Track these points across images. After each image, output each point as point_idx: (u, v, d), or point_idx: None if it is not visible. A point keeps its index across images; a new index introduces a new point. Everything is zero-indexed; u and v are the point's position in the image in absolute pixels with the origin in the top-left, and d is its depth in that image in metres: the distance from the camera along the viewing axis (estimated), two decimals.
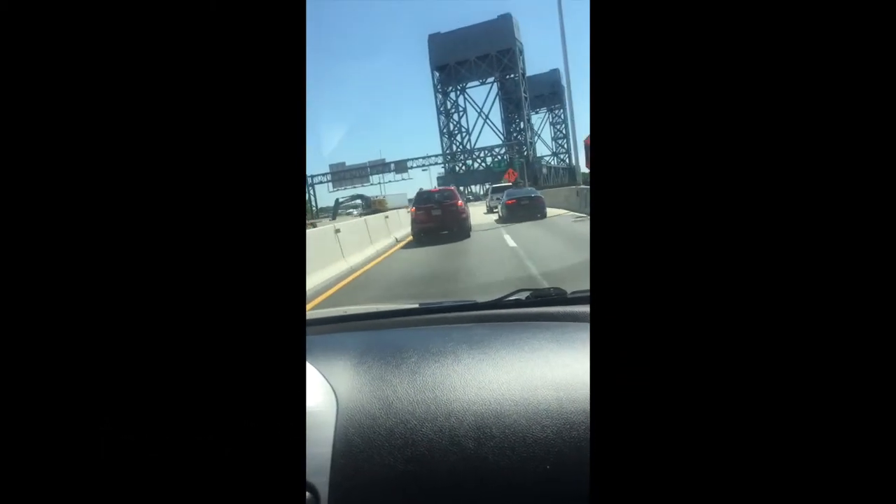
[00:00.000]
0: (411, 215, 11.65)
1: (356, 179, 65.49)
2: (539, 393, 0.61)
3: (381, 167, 65.01)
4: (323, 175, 64.56)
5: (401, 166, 64.50)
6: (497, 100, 75.19)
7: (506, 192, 17.20)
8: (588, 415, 0.55)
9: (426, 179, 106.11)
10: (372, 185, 66.11)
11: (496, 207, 17.77)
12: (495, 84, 71.99)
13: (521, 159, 64.26)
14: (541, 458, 0.55)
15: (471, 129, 75.00)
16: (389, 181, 65.25)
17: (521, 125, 71.90)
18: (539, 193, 15.79)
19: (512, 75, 70.53)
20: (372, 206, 45.71)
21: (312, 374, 0.69)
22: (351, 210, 48.03)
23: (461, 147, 72.70)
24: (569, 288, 1.12)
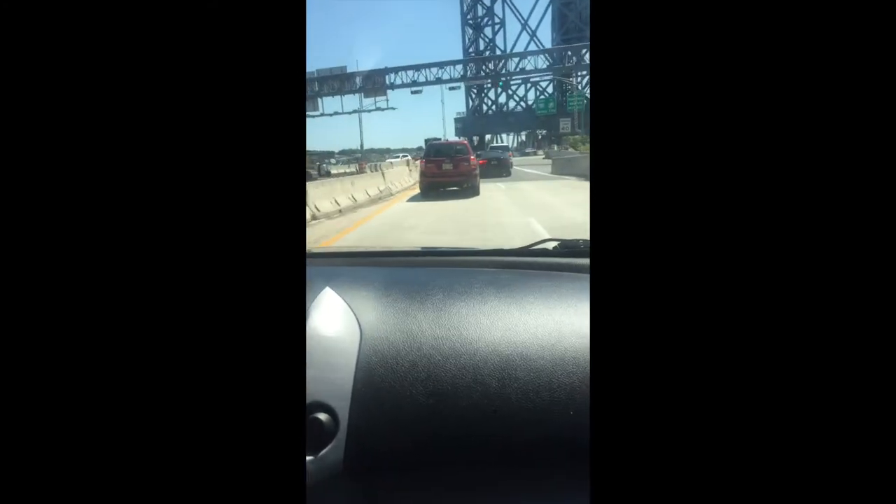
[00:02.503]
0: (420, 167, 11.78)
1: None
2: (567, 340, 0.61)
3: (338, 81, 38.66)
4: None
5: (374, 83, 38.52)
6: (549, 10, 49.31)
7: (478, 153, 19.37)
8: None
9: (430, 113, 78.49)
10: (329, 114, 40.88)
11: None
12: None
13: (578, 100, 39.49)
14: (564, 404, 0.56)
15: (508, 51, 49.51)
16: (358, 110, 40.13)
17: (583, 52, 46.31)
18: (507, 155, 21.39)
19: None
20: None
21: (337, 302, 0.70)
22: None
23: (492, 72, 46.86)
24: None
